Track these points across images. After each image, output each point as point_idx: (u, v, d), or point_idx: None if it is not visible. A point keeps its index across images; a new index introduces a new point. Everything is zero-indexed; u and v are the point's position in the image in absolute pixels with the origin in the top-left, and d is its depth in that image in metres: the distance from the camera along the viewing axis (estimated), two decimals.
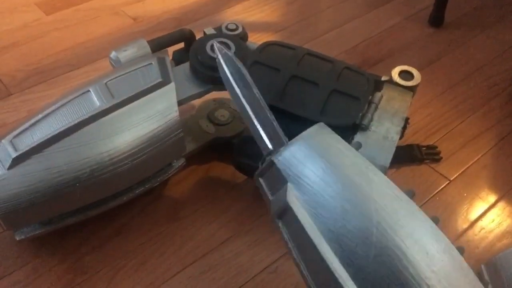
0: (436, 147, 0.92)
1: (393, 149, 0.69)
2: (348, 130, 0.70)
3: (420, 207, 0.82)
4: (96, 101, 0.67)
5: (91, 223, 0.76)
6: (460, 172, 0.90)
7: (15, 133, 0.64)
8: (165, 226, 0.77)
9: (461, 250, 0.50)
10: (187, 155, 0.79)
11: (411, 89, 0.76)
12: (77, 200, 0.66)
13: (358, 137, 0.69)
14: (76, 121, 0.65)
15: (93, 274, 0.71)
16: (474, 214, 0.83)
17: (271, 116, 0.56)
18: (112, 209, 0.75)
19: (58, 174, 0.63)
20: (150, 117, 0.68)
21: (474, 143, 0.95)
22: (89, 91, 0.68)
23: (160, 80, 0.70)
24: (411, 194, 0.51)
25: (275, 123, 0.56)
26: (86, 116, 0.65)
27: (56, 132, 0.64)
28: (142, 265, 0.72)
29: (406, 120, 0.73)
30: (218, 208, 0.81)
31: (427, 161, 0.90)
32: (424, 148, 0.92)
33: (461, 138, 0.95)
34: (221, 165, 0.87)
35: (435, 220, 0.50)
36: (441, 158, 0.91)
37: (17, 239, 0.68)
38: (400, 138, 0.71)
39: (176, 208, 0.80)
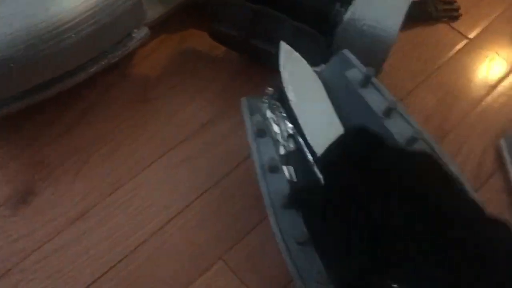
0: (455, 2, 0.78)
1: (406, 6, 0.56)
2: None
3: (435, 70, 0.73)
4: None
5: (48, 109, 0.65)
6: (481, 29, 0.76)
7: None
8: (135, 109, 0.66)
9: None
10: (153, 23, 0.65)
11: None
12: (14, 83, 0.54)
13: None
14: None
15: (56, 167, 0.62)
16: (494, 78, 0.72)
17: None
18: (70, 92, 0.64)
19: None
20: None
21: None
22: None
23: None
24: None
25: None
26: None
27: None
28: (111, 155, 0.63)
29: None
30: (196, 85, 0.69)
31: (444, 18, 0.76)
32: (441, 3, 0.76)
33: None
34: (197, 34, 0.73)
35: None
36: (460, 15, 0.77)
37: None
38: None
39: (146, 88, 0.68)
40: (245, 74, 0.70)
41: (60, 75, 0.57)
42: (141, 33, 0.61)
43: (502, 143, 0.65)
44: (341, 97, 0.51)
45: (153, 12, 0.65)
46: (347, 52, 0.51)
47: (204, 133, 0.65)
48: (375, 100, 0.47)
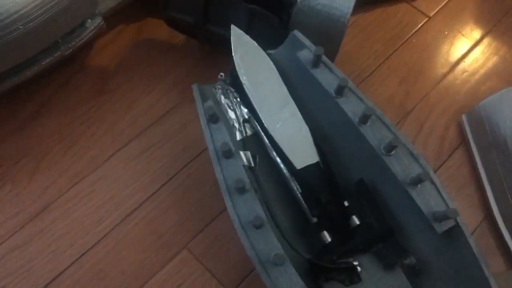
0: None
1: None
2: None
3: (397, 49, 0.73)
4: None
5: (3, 105, 0.64)
6: (441, 6, 0.76)
7: None
8: (93, 101, 0.65)
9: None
10: (107, 13, 0.63)
11: None
12: None
13: None
14: None
15: (12, 165, 0.60)
16: (456, 55, 0.72)
17: None
18: (27, 87, 0.63)
19: None
20: None
21: None
22: None
23: None
24: None
25: None
26: None
27: None
28: (70, 149, 0.61)
29: None
30: (155, 74, 0.68)
31: None
32: None
33: None
34: (155, 23, 0.72)
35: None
36: None
37: None
38: None
39: (104, 79, 0.67)
40: (206, 61, 0.69)
41: (11, 69, 0.55)
42: (94, 23, 0.60)
43: (464, 118, 0.65)
44: (294, 78, 0.50)
45: (108, 1, 0.63)
46: (297, 33, 0.50)
47: (164, 122, 0.64)
48: (327, 79, 0.47)
